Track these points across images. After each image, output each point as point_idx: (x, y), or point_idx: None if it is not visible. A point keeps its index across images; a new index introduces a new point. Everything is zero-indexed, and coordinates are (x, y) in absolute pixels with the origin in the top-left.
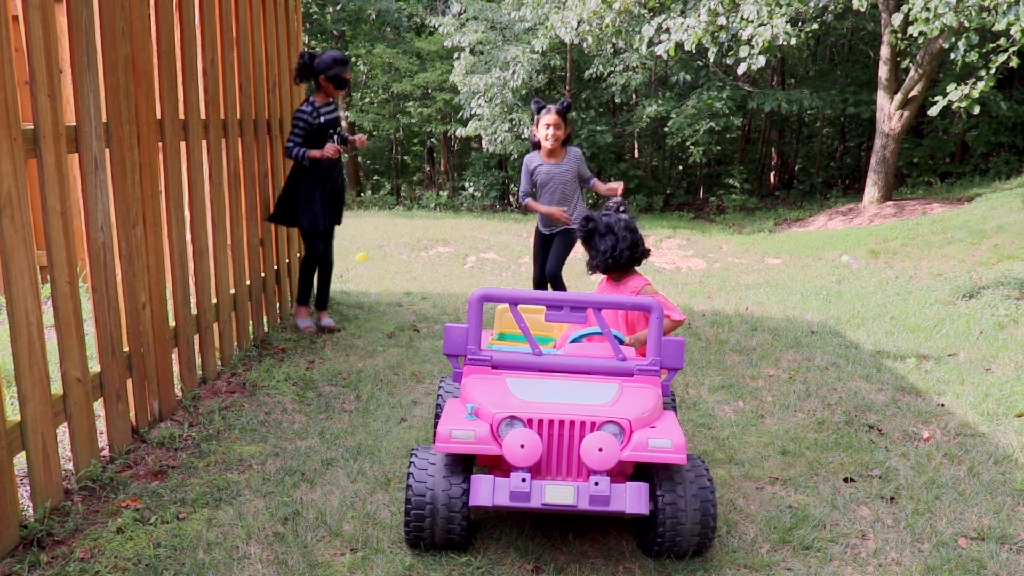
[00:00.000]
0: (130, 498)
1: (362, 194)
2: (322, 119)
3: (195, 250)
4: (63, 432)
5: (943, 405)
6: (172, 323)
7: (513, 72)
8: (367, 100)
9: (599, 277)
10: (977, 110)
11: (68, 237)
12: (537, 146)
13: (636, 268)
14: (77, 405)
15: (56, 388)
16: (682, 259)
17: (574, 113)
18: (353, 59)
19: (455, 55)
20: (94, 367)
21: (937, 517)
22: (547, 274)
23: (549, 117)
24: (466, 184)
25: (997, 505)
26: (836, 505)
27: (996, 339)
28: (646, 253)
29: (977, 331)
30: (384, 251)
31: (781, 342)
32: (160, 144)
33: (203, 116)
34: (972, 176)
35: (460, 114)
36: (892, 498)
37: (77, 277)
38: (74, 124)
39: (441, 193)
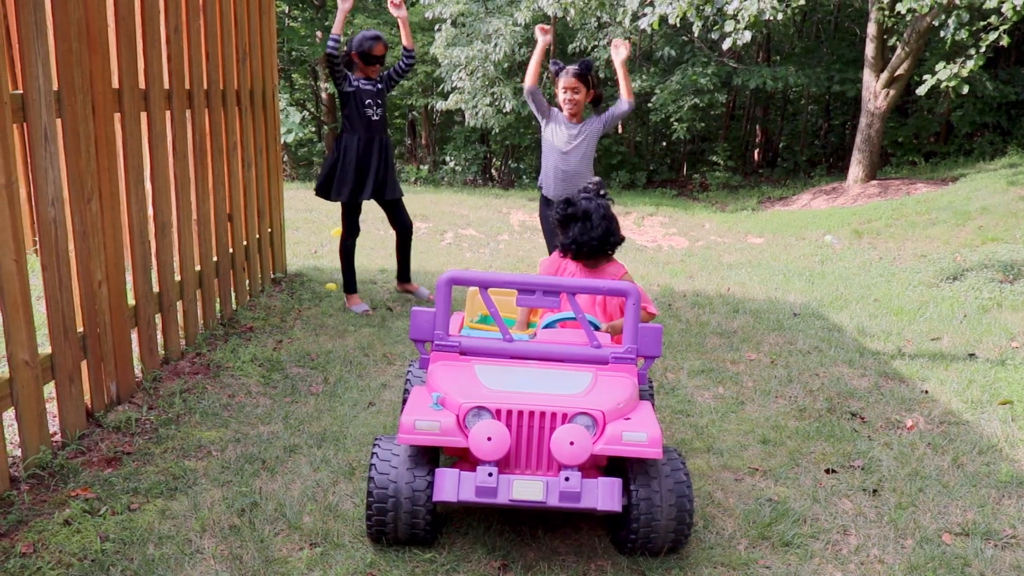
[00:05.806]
0: (80, 487)
1: None
2: (351, 88)
3: (157, 225)
4: (10, 417)
5: (927, 392)
6: (132, 302)
7: (495, 45)
8: None
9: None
10: (966, 90)
11: (14, 212)
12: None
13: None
14: (25, 389)
15: (2, 371)
16: (664, 237)
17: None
18: None
19: (436, 27)
20: (45, 349)
21: (921, 511)
22: None
23: (566, 79)
24: (447, 158)
25: (982, 498)
26: (817, 498)
27: (980, 323)
28: (619, 241)
29: (961, 315)
30: (360, 226)
31: (763, 325)
32: (118, 115)
33: (167, 86)
34: (956, 156)
35: (441, 87)
36: (875, 491)
37: (25, 254)
38: (21, 92)
39: (422, 167)
